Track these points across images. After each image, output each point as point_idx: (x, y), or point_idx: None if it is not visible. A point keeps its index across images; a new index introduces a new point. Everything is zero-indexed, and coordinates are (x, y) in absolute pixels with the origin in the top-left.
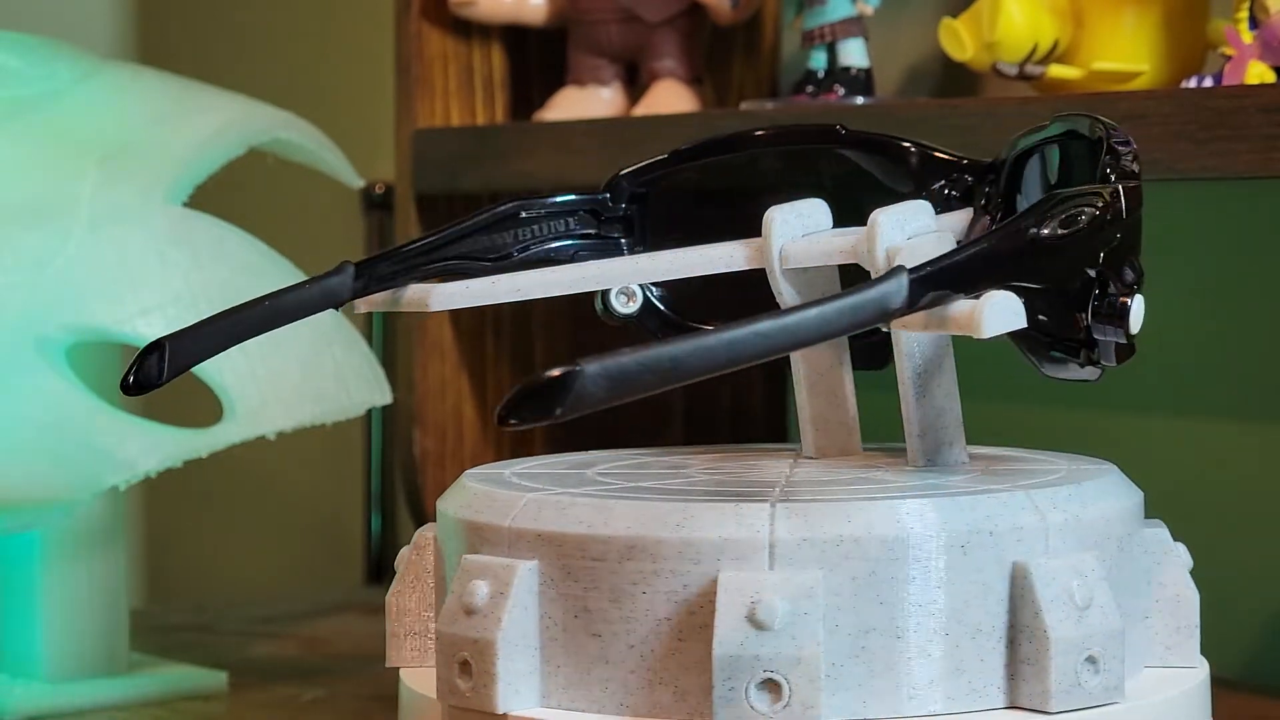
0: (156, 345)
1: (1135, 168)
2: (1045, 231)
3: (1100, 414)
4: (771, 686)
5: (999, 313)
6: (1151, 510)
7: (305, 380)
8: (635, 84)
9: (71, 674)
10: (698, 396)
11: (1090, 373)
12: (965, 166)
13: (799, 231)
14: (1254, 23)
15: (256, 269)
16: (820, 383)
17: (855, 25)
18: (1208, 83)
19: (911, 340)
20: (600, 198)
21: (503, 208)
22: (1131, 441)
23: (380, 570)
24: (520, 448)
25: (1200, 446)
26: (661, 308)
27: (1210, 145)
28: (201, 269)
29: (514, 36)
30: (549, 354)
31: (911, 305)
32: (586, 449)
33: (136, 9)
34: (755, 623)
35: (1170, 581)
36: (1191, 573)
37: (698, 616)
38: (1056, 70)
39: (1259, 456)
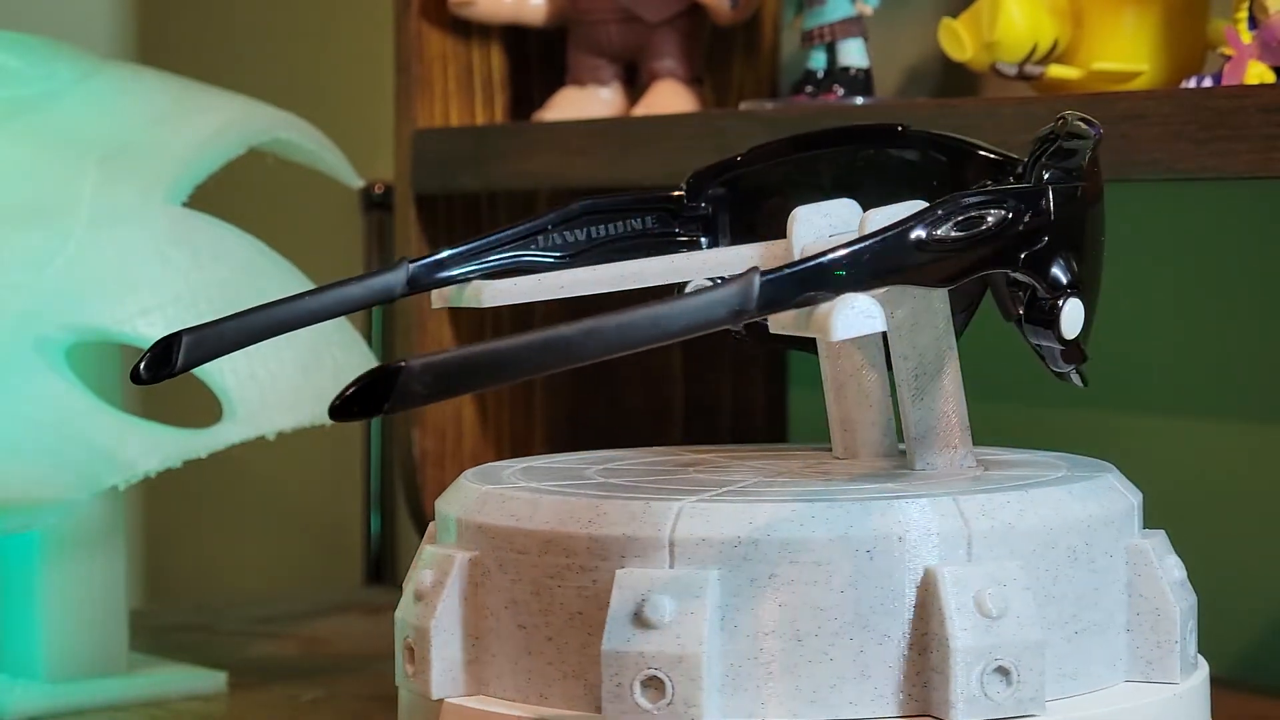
0: (172, 336)
1: (1078, 167)
2: (938, 233)
3: (1100, 414)
4: (655, 684)
5: (848, 317)
6: (1150, 510)
7: (305, 381)
8: (635, 84)
9: (71, 674)
10: (698, 396)
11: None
12: (1006, 165)
13: (825, 231)
14: (1253, 23)
15: (256, 269)
16: (848, 384)
17: (855, 25)
18: (1207, 83)
19: (907, 343)
20: (676, 196)
21: (573, 205)
22: (1131, 441)
23: (380, 570)
24: (520, 449)
25: (1200, 446)
26: None
27: (1210, 145)
28: (201, 269)
29: (514, 36)
30: None
31: (766, 307)
32: (585, 449)
33: (136, 9)
34: (642, 620)
35: (1151, 594)
36: (1190, 573)
37: (605, 612)
38: (1056, 70)
39: (1259, 456)
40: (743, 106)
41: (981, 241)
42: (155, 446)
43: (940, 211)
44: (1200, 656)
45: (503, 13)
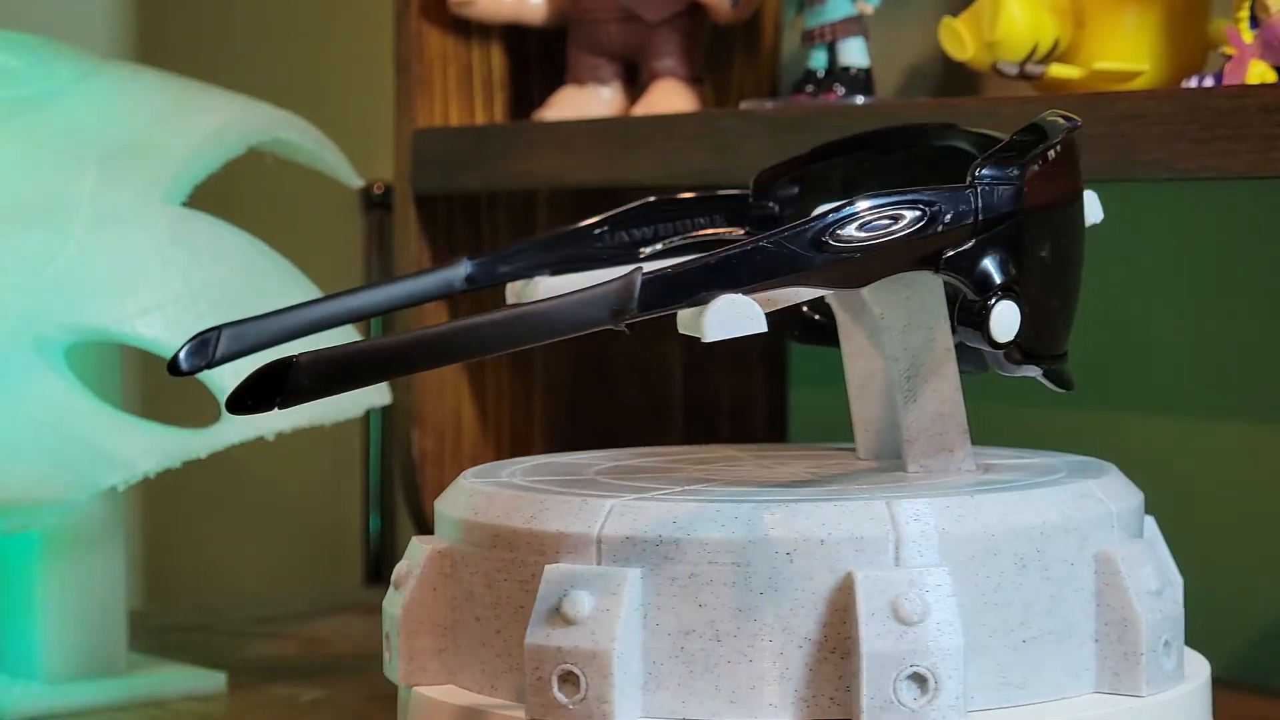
0: (211, 330)
1: (1033, 162)
2: (841, 233)
3: (1100, 414)
4: (572, 679)
5: (721, 318)
6: (1151, 510)
7: None
8: (635, 83)
9: (70, 674)
10: (697, 394)
11: (1030, 371)
12: None
13: None
14: (1255, 22)
15: (256, 269)
16: (869, 385)
17: (855, 24)
18: (1208, 82)
19: (899, 344)
20: (743, 195)
21: (637, 204)
22: (1131, 441)
23: (379, 570)
24: (519, 449)
25: (1200, 446)
26: (803, 308)
27: (1210, 145)
28: (201, 269)
29: (514, 36)
30: (548, 353)
31: (648, 307)
32: (585, 449)
33: (136, 9)
34: (562, 616)
35: (1118, 604)
36: (1190, 573)
37: None
38: (1057, 70)
39: (1259, 456)
40: (743, 106)
41: (892, 242)
42: (154, 446)
43: (844, 212)
44: (1203, 660)
45: (503, 12)
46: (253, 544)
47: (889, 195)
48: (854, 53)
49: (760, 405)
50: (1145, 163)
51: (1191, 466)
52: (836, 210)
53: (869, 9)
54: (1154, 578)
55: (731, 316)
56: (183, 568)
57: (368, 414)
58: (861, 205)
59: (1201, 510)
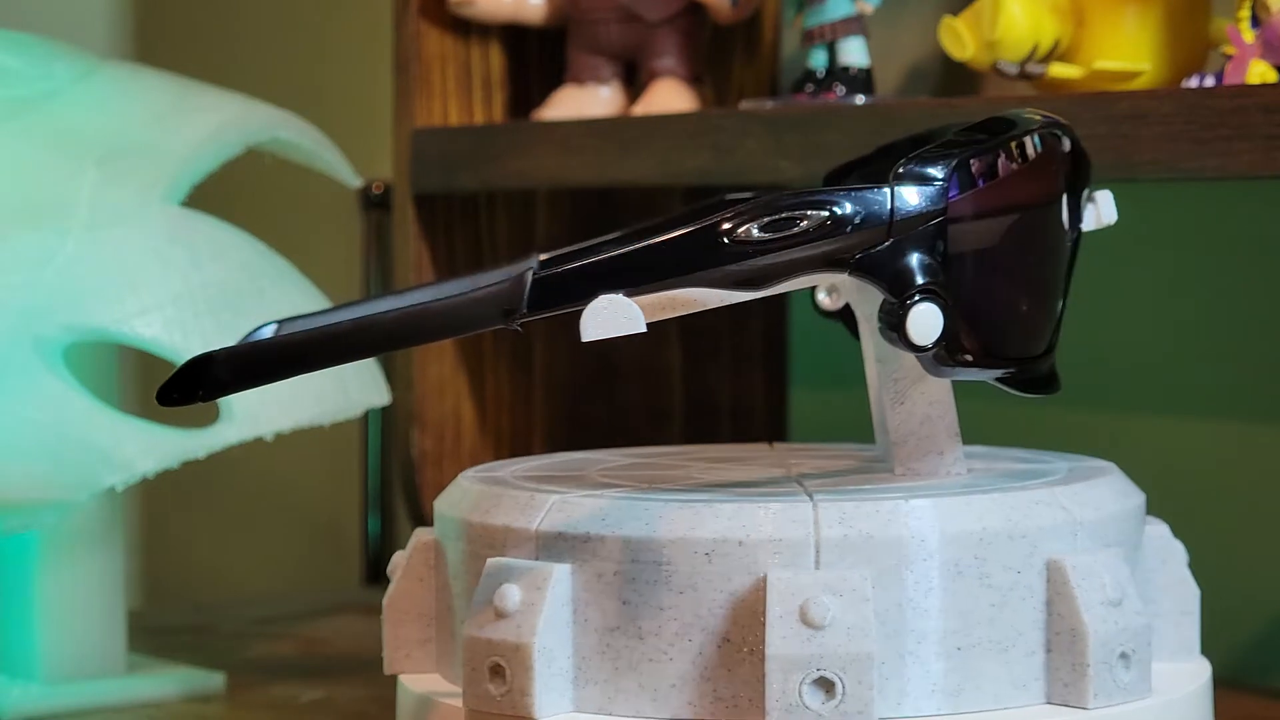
0: (275, 323)
1: (943, 166)
2: (740, 233)
3: (1100, 414)
4: (499, 670)
5: (600, 318)
6: (1152, 510)
7: (303, 381)
8: (634, 83)
9: (69, 675)
10: (698, 394)
11: (972, 375)
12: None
13: None
14: (1255, 22)
15: (255, 269)
16: None
17: (855, 24)
18: (1209, 82)
19: (885, 345)
20: None
21: (706, 203)
22: (1131, 441)
23: (378, 571)
24: (519, 450)
25: (1200, 446)
26: None
27: (1211, 145)
28: (200, 269)
29: (513, 35)
30: (548, 353)
31: (538, 306)
32: (585, 450)
33: (135, 8)
34: (494, 609)
35: (1068, 614)
36: (1191, 573)
37: None
38: (1057, 69)
39: (1259, 456)
40: (743, 106)
41: (796, 243)
42: (153, 447)
43: (742, 211)
44: (1202, 667)
45: (502, 12)
46: (252, 544)
47: (796, 195)
48: (854, 52)
49: (760, 405)
50: (1145, 163)
51: (1191, 466)
52: (736, 211)
53: (869, 9)
54: (1112, 587)
55: (610, 317)
56: (182, 568)
57: (367, 414)
58: (764, 205)
59: (1201, 510)
